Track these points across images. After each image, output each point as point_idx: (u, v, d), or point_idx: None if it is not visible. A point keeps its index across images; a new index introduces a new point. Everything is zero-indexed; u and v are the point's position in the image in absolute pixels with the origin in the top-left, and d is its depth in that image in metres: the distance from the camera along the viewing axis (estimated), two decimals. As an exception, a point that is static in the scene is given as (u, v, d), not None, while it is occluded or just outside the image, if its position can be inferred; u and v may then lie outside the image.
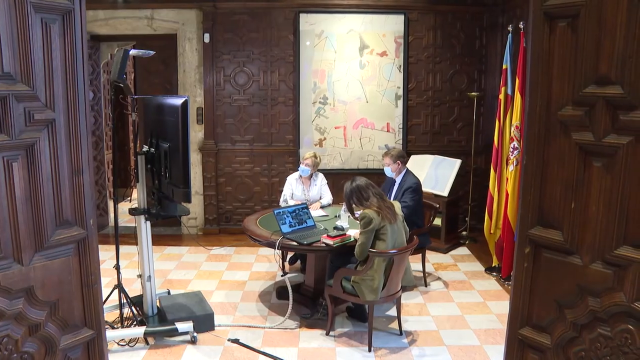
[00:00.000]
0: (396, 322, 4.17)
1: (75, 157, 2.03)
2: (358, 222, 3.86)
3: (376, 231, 3.78)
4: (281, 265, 5.10)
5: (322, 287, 4.35)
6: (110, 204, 7.22)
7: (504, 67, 5.27)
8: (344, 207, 4.62)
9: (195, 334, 3.97)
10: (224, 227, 6.96)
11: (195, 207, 6.81)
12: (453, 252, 6.21)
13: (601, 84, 1.81)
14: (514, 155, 5.00)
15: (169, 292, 4.66)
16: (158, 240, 6.26)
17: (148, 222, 4.12)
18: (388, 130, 6.78)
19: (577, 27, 1.85)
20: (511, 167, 5.01)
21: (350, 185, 3.98)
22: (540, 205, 2.04)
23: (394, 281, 3.87)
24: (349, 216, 4.61)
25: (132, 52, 4.01)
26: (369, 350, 3.85)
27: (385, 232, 3.79)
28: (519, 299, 2.14)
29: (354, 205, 4.00)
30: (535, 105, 2.01)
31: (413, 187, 4.87)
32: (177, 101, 3.56)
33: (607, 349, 1.88)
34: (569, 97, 1.91)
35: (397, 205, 4.06)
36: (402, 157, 5.06)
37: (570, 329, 1.98)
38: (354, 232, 4.18)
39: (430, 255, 5.90)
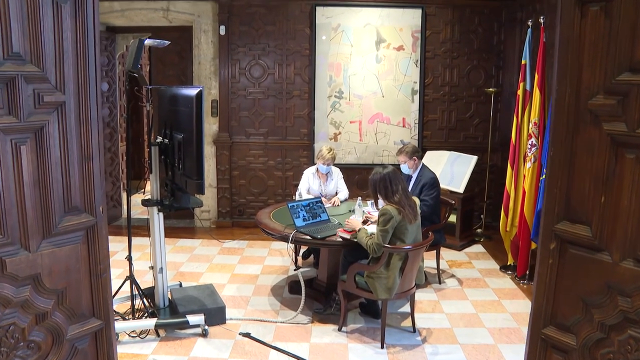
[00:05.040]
0: (409, 319, 4.09)
1: (85, 142, 1.97)
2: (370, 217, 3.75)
3: (396, 230, 3.68)
4: (294, 260, 5.05)
5: (335, 282, 4.29)
6: (124, 195, 7.23)
7: (522, 62, 5.15)
8: (358, 201, 4.54)
9: (206, 327, 3.93)
10: (237, 220, 6.93)
11: (209, 200, 6.79)
12: (467, 250, 6.11)
13: (636, 71, 1.71)
14: (531, 152, 4.88)
15: (180, 285, 4.64)
16: (171, 232, 6.23)
17: (161, 214, 4.10)
18: (404, 126, 6.69)
19: (611, 11, 1.75)
20: (528, 164, 4.90)
21: (381, 171, 3.77)
22: (567, 199, 1.94)
23: (407, 278, 3.78)
24: (363, 211, 4.53)
25: (147, 41, 3.98)
26: (382, 347, 3.78)
27: (405, 232, 3.70)
28: (542, 296, 2.04)
29: (378, 195, 3.80)
30: (564, 93, 1.91)
31: (430, 183, 4.78)
32: (192, 92, 3.51)
33: (637, 352, 1.78)
34: (601, 86, 1.81)
35: (417, 203, 3.95)
36: (417, 152, 4.98)
37: (598, 330, 1.88)
38: (372, 228, 4.08)
39: (445, 252, 5.81)
